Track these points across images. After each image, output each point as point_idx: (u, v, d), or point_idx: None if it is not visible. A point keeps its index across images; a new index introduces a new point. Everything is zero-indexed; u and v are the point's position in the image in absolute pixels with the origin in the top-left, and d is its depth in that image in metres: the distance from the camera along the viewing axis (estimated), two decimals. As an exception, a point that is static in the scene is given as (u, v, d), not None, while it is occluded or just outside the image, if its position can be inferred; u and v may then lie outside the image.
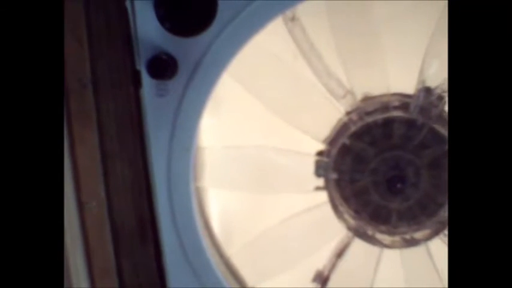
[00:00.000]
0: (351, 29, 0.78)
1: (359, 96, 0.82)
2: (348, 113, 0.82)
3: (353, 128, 0.82)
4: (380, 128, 0.82)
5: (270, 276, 0.87)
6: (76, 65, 0.76)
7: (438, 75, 0.79)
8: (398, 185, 0.82)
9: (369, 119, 0.82)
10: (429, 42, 0.77)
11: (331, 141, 0.83)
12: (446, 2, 0.72)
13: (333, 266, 0.87)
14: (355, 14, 0.77)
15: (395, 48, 0.79)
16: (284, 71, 0.81)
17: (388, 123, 0.81)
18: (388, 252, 0.87)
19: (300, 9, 0.77)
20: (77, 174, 0.79)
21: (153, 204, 0.80)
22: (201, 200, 0.85)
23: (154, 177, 0.78)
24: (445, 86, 0.79)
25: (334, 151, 0.83)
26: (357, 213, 0.85)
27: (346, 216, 0.86)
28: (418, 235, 0.86)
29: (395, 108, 0.82)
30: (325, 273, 0.88)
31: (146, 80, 0.74)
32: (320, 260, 0.88)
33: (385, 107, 0.81)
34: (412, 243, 0.86)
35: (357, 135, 0.82)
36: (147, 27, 0.72)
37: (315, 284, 0.88)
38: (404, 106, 0.81)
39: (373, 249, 0.87)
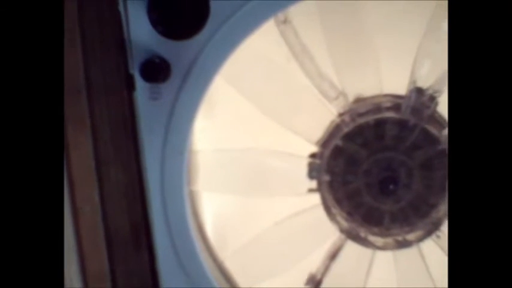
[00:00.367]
0: (342, 30, 0.78)
1: (351, 97, 0.82)
2: (341, 115, 0.82)
3: (345, 130, 0.82)
4: (372, 129, 0.82)
5: (263, 280, 0.87)
6: (70, 70, 0.76)
7: (430, 76, 0.79)
8: (391, 186, 0.82)
9: (361, 120, 0.82)
10: (421, 43, 0.77)
11: (324, 143, 0.84)
12: (437, 2, 0.73)
13: (326, 268, 0.87)
14: (347, 14, 0.78)
15: (388, 49, 0.79)
16: (277, 73, 0.82)
17: (380, 124, 0.82)
18: (380, 254, 0.87)
19: (292, 11, 0.77)
20: (71, 179, 0.78)
21: (147, 209, 0.79)
22: (194, 203, 0.85)
23: (148, 181, 0.78)
24: (437, 87, 0.80)
25: (327, 153, 0.83)
26: (350, 215, 0.85)
27: (339, 218, 0.86)
28: (411, 236, 0.86)
29: (388, 109, 0.82)
30: (318, 276, 0.88)
31: (139, 83, 0.74)
32: (313, 263, 0.88)
33: (377, 108, 0.82)
34: (404, 244, 0.86)
35: (350, 137, 0.82)
36: (140, 31, 0.72)
37: (308, 287, 0.88)
38: (396, 107, 0.82)
39: (366, 251, 0.87)
